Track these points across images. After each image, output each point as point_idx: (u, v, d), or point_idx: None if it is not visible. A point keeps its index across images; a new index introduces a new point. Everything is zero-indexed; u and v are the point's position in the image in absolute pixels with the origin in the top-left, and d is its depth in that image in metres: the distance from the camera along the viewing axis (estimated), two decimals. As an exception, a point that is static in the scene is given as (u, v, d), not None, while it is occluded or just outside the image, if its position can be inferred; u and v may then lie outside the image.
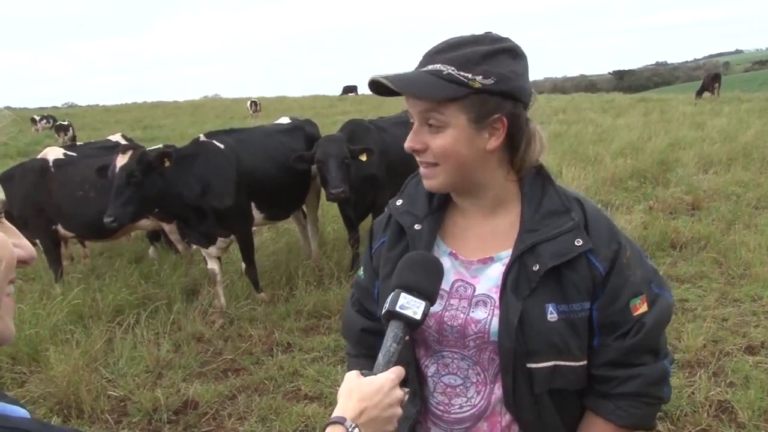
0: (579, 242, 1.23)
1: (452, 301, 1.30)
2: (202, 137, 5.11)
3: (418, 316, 1.14)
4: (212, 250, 4.97)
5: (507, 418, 1.30)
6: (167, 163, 4.51)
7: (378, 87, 1.24)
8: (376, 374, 1.12)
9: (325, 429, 1.07)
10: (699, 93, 23.09)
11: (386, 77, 1.20)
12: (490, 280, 1.29)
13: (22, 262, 0.83)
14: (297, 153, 5.36)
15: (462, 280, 1.31)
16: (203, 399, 3.76)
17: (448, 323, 1.29)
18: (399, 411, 1.12)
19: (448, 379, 1.33)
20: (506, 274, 1.25)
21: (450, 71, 1.18)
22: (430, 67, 1.20)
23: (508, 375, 1.25)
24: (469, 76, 1.18)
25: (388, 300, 1.16)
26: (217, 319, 4.86)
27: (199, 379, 4.07)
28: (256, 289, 5.23)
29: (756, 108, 17.48)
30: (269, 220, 5.66)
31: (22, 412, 0.80)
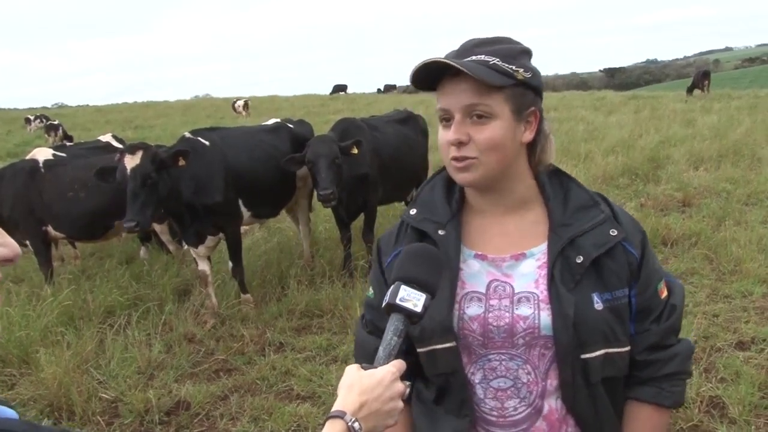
0: (614, 232, 1.29)
1: (492, 302, 1.29)
2: (188, 134, 5.09)
3: (418, 309, 1.13)
4: (201, 249, 4.94)
5: (562, 412, 1.30)
6: (182, 162, 4.45)
7: (420, 78, 1.25)
8: (376, 368, 1.11)
9: (324, 423, 1.05)
10: (689, 90, 23.19)
11: (448, 59, 1.21)
12: (525, 277, 1.29)
13: (6, 260, 0.84)
14: (280, 151, 5.36)
15: (497, 280, 1.31)
16: (195, 400, 3.75)
17: (494, 324, 1.28)
18: (400, 404, 1.11)
19: (497, 383, 1.31)
20: (551, 269, 1.26)
21: (495, 62, 1.21)
22: (474, 57, 1.22)
23: (566, 369, 1.26)
24: (513, 67, 1.22)
25: (389, 292, 1.14)
26: (209, 320, 4.84)
27: (191, 379, 4.06)
28: (242, 290, 5.15)
29: (746, 105, 17.56)
30: (256, 218, 5.64)
31: (10, 412, 0.79)
